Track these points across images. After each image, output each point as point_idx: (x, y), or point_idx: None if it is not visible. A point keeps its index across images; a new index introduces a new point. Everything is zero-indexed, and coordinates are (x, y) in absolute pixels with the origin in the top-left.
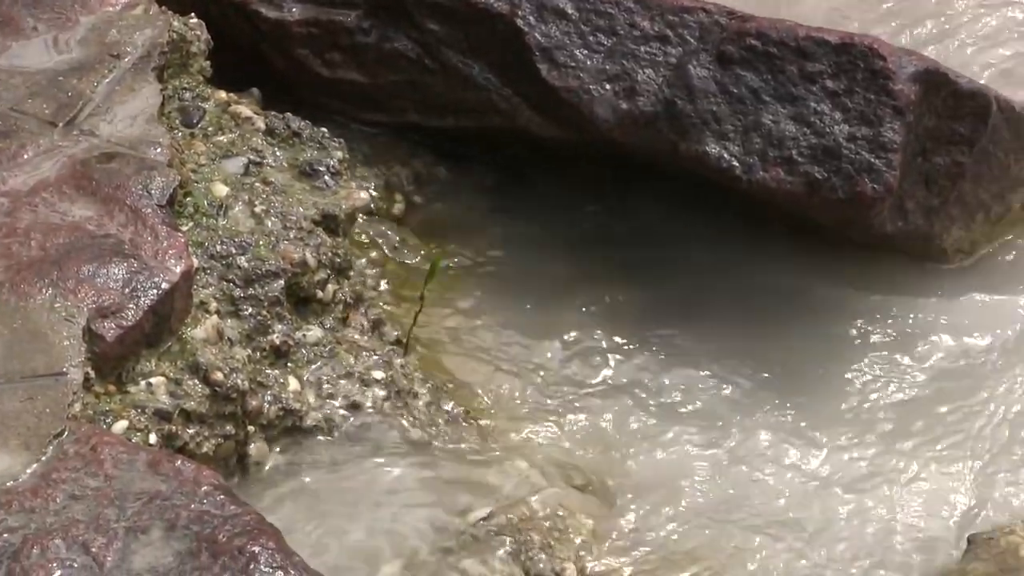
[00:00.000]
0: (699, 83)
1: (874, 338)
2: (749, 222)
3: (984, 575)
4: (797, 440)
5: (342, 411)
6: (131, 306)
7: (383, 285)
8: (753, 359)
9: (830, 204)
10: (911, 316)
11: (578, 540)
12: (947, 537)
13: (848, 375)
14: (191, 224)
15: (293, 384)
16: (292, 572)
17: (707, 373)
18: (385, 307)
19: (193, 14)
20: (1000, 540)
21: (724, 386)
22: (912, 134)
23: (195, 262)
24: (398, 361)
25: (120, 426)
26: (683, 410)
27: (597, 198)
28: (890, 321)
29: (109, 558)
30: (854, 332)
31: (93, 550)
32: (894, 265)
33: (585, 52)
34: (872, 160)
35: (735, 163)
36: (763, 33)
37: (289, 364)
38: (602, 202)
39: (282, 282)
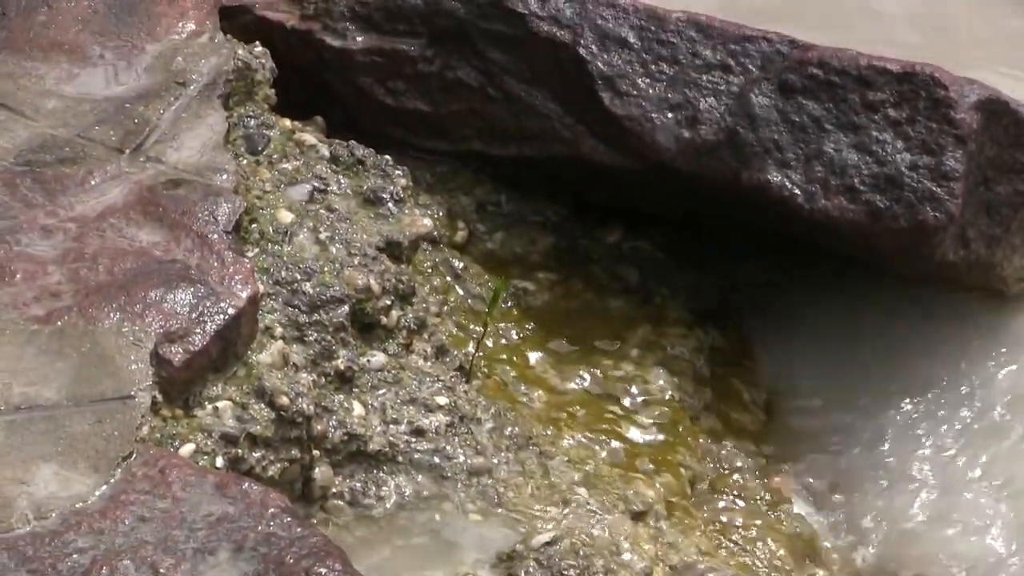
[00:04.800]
0: (761, 112)
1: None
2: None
3: None
4: None
5: (406, 436)
6: (198, 331)
7: (445, 312)
8: None
9: (892, 233)
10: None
11: (640, 566)
12: None
13: None
14: (257, 250)
15: (358, 409)
16: None
17: None
18: (447, 334)
19: (258, 42)
20: None
21: None
22: (974, 163)
23: (261, 288)
24: (461, 387)
25: (187, 449)
26: None
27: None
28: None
29: None
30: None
31: (162, 571)
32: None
33: (647, 81)
34: (934, 189)
35: (797, 191)
36: (825, 62)
37: (354, 389)
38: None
39: (347, 308)
